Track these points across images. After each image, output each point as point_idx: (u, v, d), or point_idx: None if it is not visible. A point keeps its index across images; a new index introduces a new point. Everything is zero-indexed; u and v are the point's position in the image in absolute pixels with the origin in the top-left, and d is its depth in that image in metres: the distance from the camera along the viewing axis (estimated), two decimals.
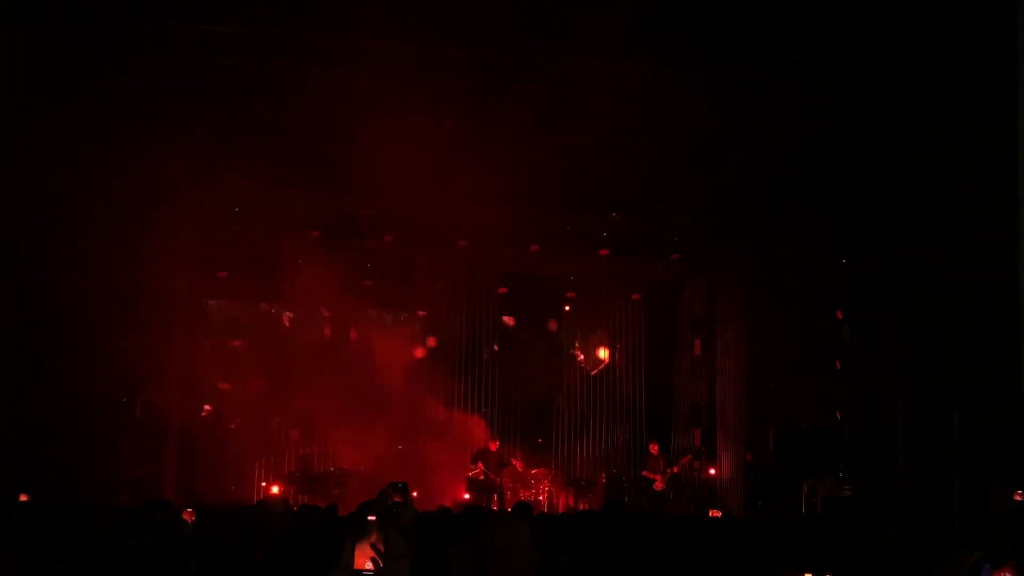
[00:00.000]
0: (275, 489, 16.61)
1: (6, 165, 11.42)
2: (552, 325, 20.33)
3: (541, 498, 18.27)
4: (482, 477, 17.59)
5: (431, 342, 19.50)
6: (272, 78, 14.78)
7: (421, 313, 19.53)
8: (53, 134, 11.66)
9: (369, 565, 2.84)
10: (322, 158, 16.95)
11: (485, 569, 3.08)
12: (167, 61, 14.08)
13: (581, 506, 17.87)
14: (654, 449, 18.15)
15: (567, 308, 20.69)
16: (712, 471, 18.81)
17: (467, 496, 17.53)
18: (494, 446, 17.83)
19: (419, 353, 19.20)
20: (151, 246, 15.57)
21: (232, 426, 17.52)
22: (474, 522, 3.79)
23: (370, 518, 2.86)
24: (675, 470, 17.58)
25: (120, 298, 14.11)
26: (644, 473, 17.87)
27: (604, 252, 19.44)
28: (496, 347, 19.95)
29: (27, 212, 11.58)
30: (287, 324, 18.42)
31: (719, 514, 12.77)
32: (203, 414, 17.24)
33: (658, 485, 17.46)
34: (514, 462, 18.34)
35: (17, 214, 11.53)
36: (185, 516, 7.70)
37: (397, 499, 7.01)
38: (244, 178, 16.12)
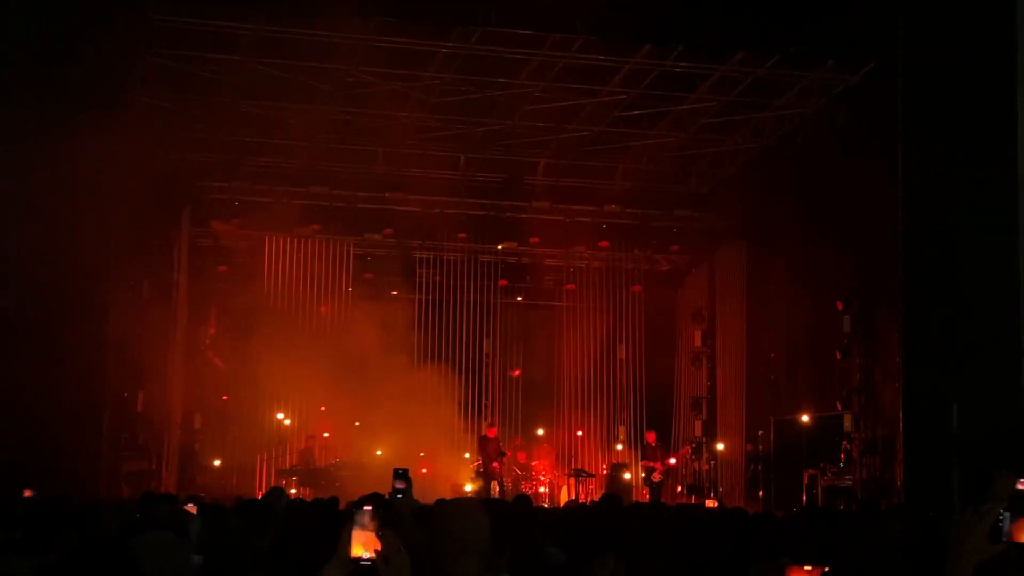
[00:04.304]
0: (277, 482, 16.61)
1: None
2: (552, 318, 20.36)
3: (542, 489, 18.27)
4: (482, 469, 17.59)
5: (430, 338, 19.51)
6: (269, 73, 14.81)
7: (418, 311, 19.48)
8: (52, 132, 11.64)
9: (367, 554, 2.85)
10: (322, 152, 16.98)
11: (442, 555, 3.12)
12: (164, 56, 14.11)
13: (582, 498, 17.87)
14: (651, 439, 18.09)
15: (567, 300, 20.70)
16: (712, 461, 18.83)
17: (468, 488, 17.54)
18: (492, 433, 17.78)
19: (419, 345, 19.20)
20: (152, 242, 15.61)
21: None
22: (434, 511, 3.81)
23: (366, 508, 2.86)
24: (674, 462, 17.49)
25: (121, 293, 14.13)
26: (642, 463, 17.83)
27: (604, 244, 19.55)
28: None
29: (27, 212, 11.58)
30: (288, 320, 18.38)
31: (715, 504, 12.72)
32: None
33: (656, 476, 17.42)
34: (517, 454, 18.33)
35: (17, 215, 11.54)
36: (188, 509, 7.71)
37: (400, 485, 6.84)
38: (246, 172, 16.15)
